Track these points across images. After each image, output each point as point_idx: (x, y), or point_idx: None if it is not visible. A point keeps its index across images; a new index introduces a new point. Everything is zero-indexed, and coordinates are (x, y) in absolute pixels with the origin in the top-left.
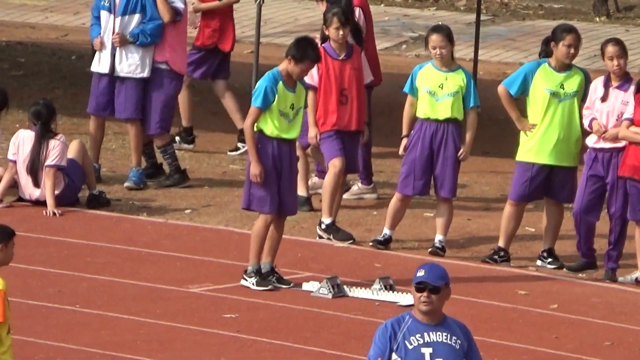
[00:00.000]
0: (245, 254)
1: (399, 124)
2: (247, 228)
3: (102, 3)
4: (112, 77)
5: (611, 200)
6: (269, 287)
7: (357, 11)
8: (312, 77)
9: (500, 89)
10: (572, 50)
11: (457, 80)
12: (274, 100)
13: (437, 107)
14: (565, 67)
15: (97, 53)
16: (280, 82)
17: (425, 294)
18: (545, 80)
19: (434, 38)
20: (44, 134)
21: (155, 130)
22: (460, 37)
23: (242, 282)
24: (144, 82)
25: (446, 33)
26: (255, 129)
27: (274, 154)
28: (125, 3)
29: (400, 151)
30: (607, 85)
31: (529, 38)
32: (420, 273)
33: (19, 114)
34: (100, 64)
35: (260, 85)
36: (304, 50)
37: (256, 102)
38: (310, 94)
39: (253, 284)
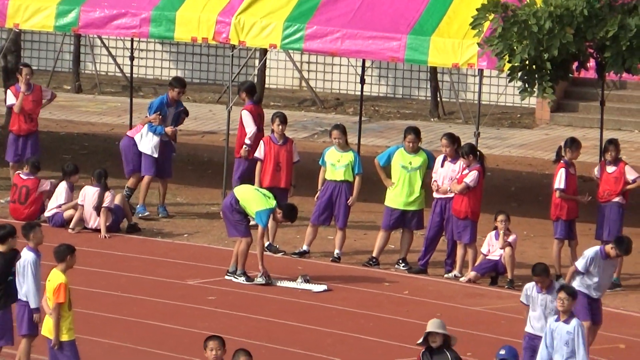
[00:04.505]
0: (221, 262)
1: (308, 182)
2: (222, 245)
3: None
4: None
5: (447, 229)
6: (253, 282)
7: (245, 114)
8: (260, 152)
9: (375, 161)
10: (411, 144)
11: (348, 157)
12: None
13: (337, 173)
14: (414, 150)
15: (151, 138)
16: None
17: None
18: (400, 159)
19: (334, 133)
20: (103, 188)
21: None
22: (350, 130)
23: (232, 278)
24: None
25: (342, 129)
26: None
27: None
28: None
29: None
30: (445, 159)
31: (392, 131)
32: (502, 351)
33: (83, 176)
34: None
35: (264, 216)
36: (293, 214)
37: (263, 223)
38: (258, 163)
39: (243, 280)
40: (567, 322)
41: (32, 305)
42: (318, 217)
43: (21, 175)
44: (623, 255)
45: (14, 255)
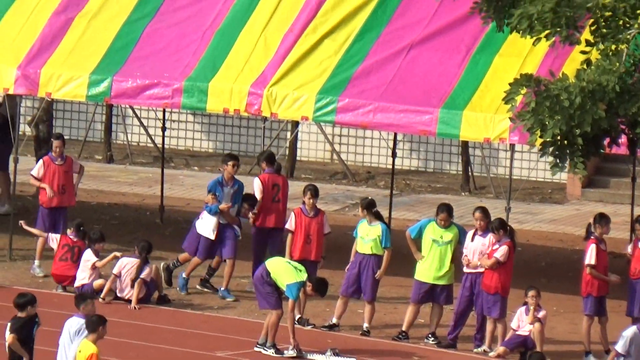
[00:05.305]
0: (251, 335)
1: (339, 255)
2: (252, 317)
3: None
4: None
5: (477, 304)
6: (282, 354)
7: (255, 182)
8: (291, 224)
9: (407, 233)
10: (443, 222)
11: (376, 231)
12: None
13: (365, 246)
14: (446, 225)
15: (208, 220)
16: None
17: None
18: (431, 232)
19: (360, 208)
20: (144, 261)
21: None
22: (381, 203)
23: (262, 350)
24: None
25: (365, 205)
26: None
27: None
28: (232, 199)
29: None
30: (475, 233)
31: (423, 205)
32: None
33: (112, 246)
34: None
35: (294, 290)
36: (323, 288)
37: (293, 296)
38: (289, 235)
39: (273, 353)
40: None
41: None
42: (347, 288)
43: (70, 237)
44: None
45: (33, 319)
